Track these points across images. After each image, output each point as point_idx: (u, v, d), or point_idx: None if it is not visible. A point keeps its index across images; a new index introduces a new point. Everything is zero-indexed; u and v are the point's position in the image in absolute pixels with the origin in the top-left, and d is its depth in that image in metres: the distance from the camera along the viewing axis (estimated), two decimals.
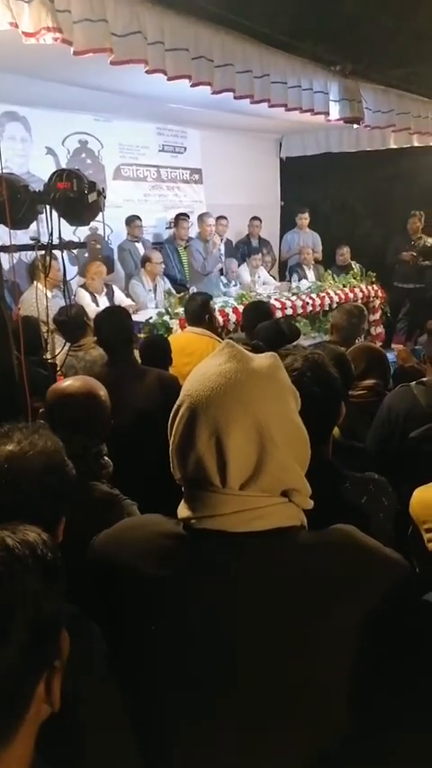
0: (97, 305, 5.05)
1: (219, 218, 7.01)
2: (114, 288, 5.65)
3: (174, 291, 5.64)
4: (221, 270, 6.72)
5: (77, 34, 3.23)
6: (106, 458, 1.65)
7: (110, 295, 5.46)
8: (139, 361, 2.89)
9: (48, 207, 2.29)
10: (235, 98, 4.45)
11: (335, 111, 5.44)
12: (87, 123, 6.39)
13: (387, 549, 0.89)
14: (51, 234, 2.31)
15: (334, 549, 0.86)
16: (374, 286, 6.82)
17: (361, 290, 6.56)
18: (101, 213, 2.42)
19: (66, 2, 3.15)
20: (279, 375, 0.89)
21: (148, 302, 5.69)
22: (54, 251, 2.40)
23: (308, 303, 5.87)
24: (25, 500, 1.02)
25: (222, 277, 6.67)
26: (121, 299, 5.56)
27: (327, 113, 5.38)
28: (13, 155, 5.69)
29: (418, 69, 5.87)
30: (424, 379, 2.29)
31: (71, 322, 3.23)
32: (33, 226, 2.36)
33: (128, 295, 5.79)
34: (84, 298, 5.15)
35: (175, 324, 4.54)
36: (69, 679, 0.71)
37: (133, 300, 5.67)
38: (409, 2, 4.63)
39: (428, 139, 7.01)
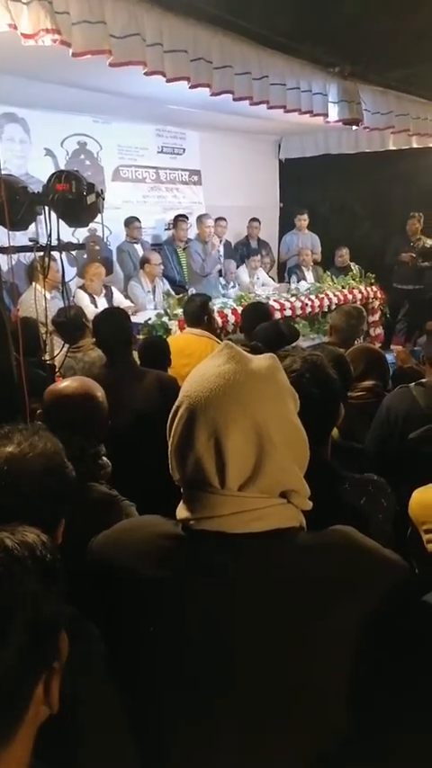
0: (96, 306, 5.04)
1: (218, 219, 7.01)
2: (113, 289, 5.65)
3: (173, 293, 5.64)
4: (220, 271, 6.73)
5: (76, 36, 3.24)
6: (105, 458, 1.65)
7: (109, 296, 5.46)
8: (138, 362, 2.89)
9: (46, 208, 2.29)
10: (234, 100, 4.46)
11: (334, 112, 5.45)
12: (86, 125, 6.39)
13: (386, 551, 0.89)
14: (50, 235, 2.31)
15: (333, 551, 0.86)
16: (373, 287, 6.82)
17: (360, 292, 6.57)
18: (100, 215, 2.42)
19: (64, 3, 3.16)
20: (278, 376, 0.89)
21: (147, 303, 5.69)
22: (53, 252, 2.40)
23: (307, 304, 5.88)
24: (25, 502, 1.02)
25: (221, 278, 6.68)
26: (119, 300, 5.56)
27: (326, 115, 5.39)
28: (11, 156, 5.70)
29: (416, 71, 5.88)
30: (423, 380, 2.29)
31: (70, 323, 3.23)
32: (32, 227, 2.36)
33: (127, 296, 5.79)
34: (83, 299, 5.15)
35: (173, 325, 4.55)
36: (68, 680, 0.71)
37: (132, 302, 5.67)
38: (408, 3, 4.64)
39: (427, 141, 7.03)
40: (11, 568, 0.65)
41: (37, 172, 5.35)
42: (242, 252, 7.57)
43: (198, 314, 3.57)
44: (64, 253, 2.45)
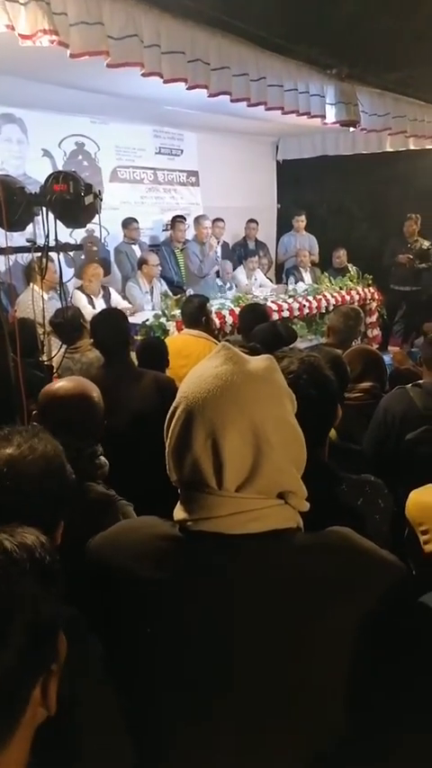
0: (94, 307, 5.05)
1: (215, 220, 7.02)
2: (111, 290, 5.65)
3: (170, 293, 5.64)
4: (218, 272, 6.73)
5: (74, 37, 3.24)
6: (102, 458, 1.65)
7: (106, 297, 5.46)
8: (136, 363, 2.88)
9: (44, 209, 2.29)
10: (231, 101, 4.46)
11: (331, 114, 5.46)
12: (84, 125, 6.39)
13: (383, 551, 0.89)
14: (48, 236, 2.31)
15: (330, 551, 0.86)
16: (371, 288, 6.83)
17: (357, 293, 6.58)
18: (97, 215, 2.42)
19: (62, 5, 3.16)
20: (275, 377, 0.89)
21: (145, 304, 5.69)
22: (50, 253, 2.40)
23: (304, 306, 5.88)
24: (24, 503, 1.01)
25: (218, 279, 6.68)
26: (117, 301, 5.56)
27: (323, 116, 5.40)
28: (9, 157, 5.70)
29: (414, 73, 5.90)
30: (420, 381, 2.30)
31: (67, 324, 3.23)
32: (30, 228, 2.36)
33: (124, 297, 5.79)
34: (80, 300, 5.15)
35: (171, 326, 4.55)
36: (66, 681, 0.70)
37: (130, 302, 5.67)
38: (406, 5, 4.65)
39: (424, 143, 7.05)
40: (9, 570, 0.65)
41: (34, 172, 5.34)
42: (240, 253, 7.58)
43: (196, 315, 3.57)
44: (62, 253, 2.45)
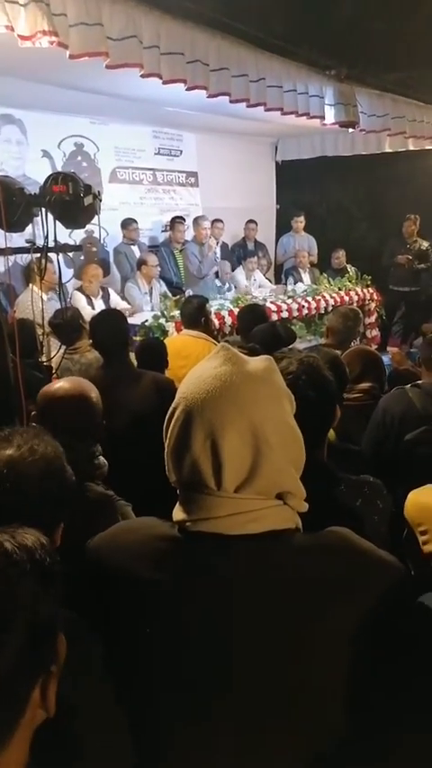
0: (93, 308, 5.05)
1: (214, 221, 7.02)
2: (110, 291, 5.65)
3: (170, 294, 5.64)
4: (217, 273, 6.73)
5: (73, 38, 3.24)
6: (101, 458, 1.65)
7: (105, 298, 5.47)
8: (135, 363, 2.88)
9: (43, 210, 2.29)
10: (231, 102, 4.47)
11: (330, 115, 5.47)
12: (83, 126, 6.39)
13: (382, 552, 0.89)
14: (47, 237, 2.31)
15: (329, 552, 0.86)
16: (370, 289, 6.84)
17: (356, 294, 6.58)
18: (96, 216, 2.42)
19: (62, 5, 3.16)
20: (274, 378, 0.89)
21: (144, 305, 5.69)
22: (50, 254, 2.40)
23: (303, 306, 5.89)
24: (24, 505, 1.01)
25: (217, 280, 6.68)
26: (116, 301, 5.56)
27: (322, 117, 5.40)
28: (8, 157, 5.70)
29: (412, 74, 5.91)
30: (419, 381, 2.30)
31: (67, 325, 3.22)
32: (29, 228, 2.36)
33: (123, 298, 5.79)
34: (79, 300, 5.15)
35: (170, 327, 4.55)
36: (65, 682, 0.70)
37: (129, 303, 5.67)
38: (404, 7, 4.66)
39: (423, 143, 7.06)
40: (9, 572, 0.65)
41: (34, 173, 5.34)
42: (239, 253, 7.58)
43: (195, 315, 3.57)
44: (61, 254, 2.45)
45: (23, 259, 4.73)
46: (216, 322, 4.67)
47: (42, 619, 0.66)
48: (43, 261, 2.42)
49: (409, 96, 6.43)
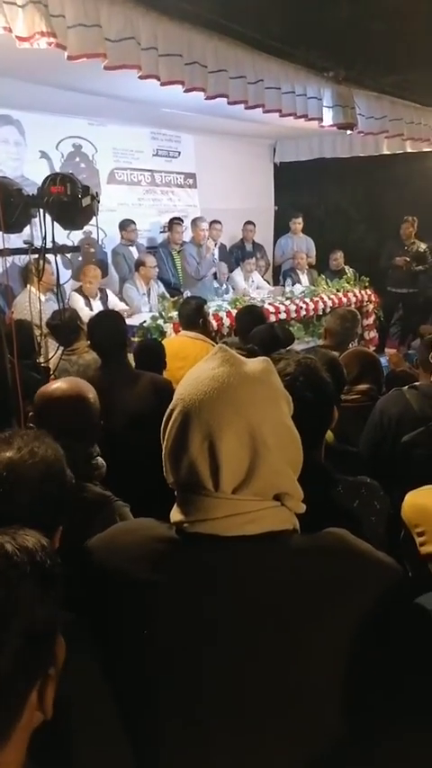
0: (91, 309, 5.05)
1: (212, 222, 7.02)
2: (108, 292, 5.65)
3: (168, 295, 5.64)
4: (215, 274, 6.73)
5: (71, 39, 3.24)
6: (99, 459, 1.65)
7: (103, 299, 5.47)
8: (133, 364, 2.89)
9: (41, 211, 2.29)
10: (229, 103, 4.47)
11: (328, 116, 5.48)
12: (81, 127, 6.39)
13: (379, 553, 0.89)
14: (45, 238, 2.31)
15: (326, 553, 0.86)
16: (368, 291, 6.85)
17: (354, 295, 6.59)
18: (95, 217, 2.42)
19: (60, 7, 3.16)
20: (272, 379, 0.90)
21: (142, 306, 5.69)
22: (48, 255, 2.40)
23: (301, 308, 5.89)
24: (24, 508, 1.01)
25: (215, 281, 6.69)
26: (114, 302, 5.56)
27: (320, 119, 5.41)
28: (6, 158, 5.70)
29: (410, 76, 5.94)
30: (416, 383, 2.30)
31: (64, 326, 3.22)
32: (27, 229, 2.36)
33: (122, 299, 5.79)
34: (77, 302, 5.15)
35: (168, 328, 4.55)
36: (63, 684, 0.70)
37: (127, 304, 5.67)
38: (402, 9, 4.68)
39: (421, 145, 7.07)
40: (9, 573, 0.65)
41: (32, 174, 5.34)
42: (237, 255, 7.59)
43: (193, 317, 3.58)
44: (59, 255, 2.45)
45: (21, 260, 4.72)
46: (214, 323, 4.68)
47: (42, 621, 0.66)
48: (41, 262, 2.42)
49: (407, 98, 6.45)
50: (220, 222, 7.19)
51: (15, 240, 2.41)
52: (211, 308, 4.56)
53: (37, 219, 2.31)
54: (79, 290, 5.37)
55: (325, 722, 0.82)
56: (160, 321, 4.67)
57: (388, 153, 7.14)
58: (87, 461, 1.59)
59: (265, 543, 0.84)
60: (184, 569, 0.85)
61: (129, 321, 4.02)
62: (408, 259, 7.32)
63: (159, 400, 2.29)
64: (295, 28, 4.58)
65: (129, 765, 0.83)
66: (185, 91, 4.07)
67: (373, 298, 6.89)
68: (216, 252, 6.98)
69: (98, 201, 2.42)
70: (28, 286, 4.34)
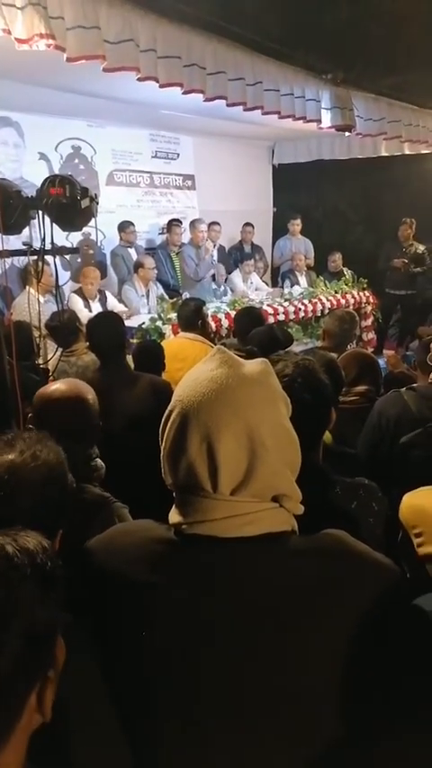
0: (90, 310, 5.05)
1: (211, 224, 7.02)
2: (107, 293, 5.66)
3: (166, 297, 5.65)
4: (214, 276, 6.74)
5: (70, 41, 3.24)
6: (98, 460, 1.65)
7: (102, 300, 5.47)
8: (132, 366, 2.89)
9: (40, 212, 2.29)
10: (227, 105, 4.48)
11: (327, 118, 5.49)
12: (80, 129, 6.39)
13: (377, 554, 0.90)
14: (44, 239, 2.31)
15: (324, 554, 0.87)
16: (366, 292, 6.86)
17: (353, 297, 6.60)
18: (93, 219, 2.43)
19: (59, 9, 3.17)
20: (270, 381, 0.90)
21: (141, 307, 5.70)
22: (47, 256, 2.40)
23: (300, 309, 5.90)
24: (25, 511, 1.01)
25: (213, 283, 6.69)
26: (113, 304, 5.57)
27: (319, 121, 5.42)
28: (5, 160, 5.70)
29: (408, 78, 5.94)
30: (414, 384, 2.31)
31: (63, 327, 3.22)
32: (26, 231, 2.36)
33: (120, 300, 5.79)
34: (76, 303, 5.15)
35: (167, 329, 4.55)
36: (61, 684, 0.70)
37: (126, 306, 5.67)
38: (400, 11, 4.69)
39: (419, 147, 7.08)
40: (9, 575, 0.65)
41: (31, 176, 5.34)
42: (236, 256, 7.59)
43: (192, 318, 3.58)
44: (58, 257, 2.45)
45: (20, 261, 4.72)
46: (213, 325, 4.68)
47: (42, 623, 0.66)
48: (40, 263, 2.42)
49: (405, 100, 6.46)
50: (218, 224, 7.19)
51: (14, 242, 2.41)
52: (209, 309, 4.57)
53: (36, 221, 2.31)
54: (78, 292, 5.37)
55: (323, 722, 0.82)
56: (159, 322, 4.67)
57: (386, 155, 7.15)
58: (86, 463, 1.59)
59: (264, 544, 0.84)
60: (183, 570, 0.85)
61: (127, 322, 4.02)
62: (406, 261, 7.33)
63: (158, 402, 2.29)
64: (294, 30, 4.59)
65: (127, 766, 0.83)
66: (184, 93, 4.07)
67: (371, 299, 6.90)
68: (215, 253, 6.98)
69: (97, 203, 2.42)
70: (27, 287, 4.33)
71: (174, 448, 0.86)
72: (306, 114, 5.24)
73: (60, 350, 2.79)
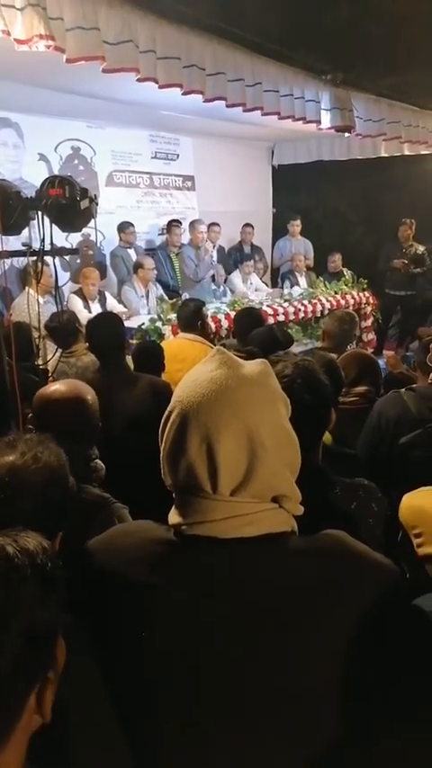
0: (89, 311, 5.05)
1: (211, 224, 7.03)
2: (106, 294, 5.66)
3: (166, 297, 5.65)
4: (213, 276, 6.74)
5: (70, 42, 3.25)
6: (98, 461, 1.65)
7: (102, 301, 5.47)
8: (132, 367, 2.89)
9: (40, 213, 2.29)
10: (227, 106, 4.48)
11: (326, 119, 5.49)
12: (80, 130, 6.40)
13: (377, 554, 0.90)
14: (43, 240, 2.31)
15: (324, 555, 0.87)
16: (366, 293, 6.86)
17: (352, 297, 6.61)
18: (93, 219, 2.43)
19: (58, 9, 3.17)
20: (269, 381, 0.90)
21: (141, 308, 5.70)
22: (46, 257, 2.40)
23: (300, 310, 5.90)
24: (26, 513, 1.01)
25: (213, 283, 6.69)
26: (113, 305, 5.57)
27: (318, 122, 5.43)
28: (5, 161, 5.71)
29: (408, 79, 5.95)
30: (414, 385, 2.31)
31: (63, 328, 3.23)
32: (25, 232, 2.37)
33: (120, 301, 5.80)
34: (76, 304, 5.15)
35: (167, 330, 4.55)
36: (61, 685, 0.70)
37: (125, 306, 5.67)
38: (400, 11, 4.70)
39: (419, 148, 7.09)
40: (10, 576, 0.65)
41: (31, 177, 5.34)
42: (235, 257, 7.60)
43: (191, 319, 3.58)
44: (57, 258, 2.46)
45: (20, 262, 4.72)
46: (212, 325, 4.69)
47: (42, 624, 0.66)
48: (40, 264, 2.42)
49: (405, 101, 6.47)
50: (218, 224, 7.19)
51: (14, 242, 2.42)
52: (209, 310, 4.57)
53: (35, 222, 2.32)
54: (78, 293, 5.37)
55: (323, 722, 0.82)
56: (159, 323, 4.67)
57: (386, 155, 7.16)
58: (86, 463, 1.59)
59: (263, 545, 0.84)
60: (183, 571, 0.85)
61: (127, 323, 4.02)
62: (406, 261, 7.33)
63: (158, 402, 2.28)
64: (293, 31, 4.60)
65: (127, 766, 0.83)
66: (184, 94, 4.08)
67: (371, 300, 6.90)
68: (214, 254, 6.99)
69: (96, 204, 2.43)
70: (26, 288, 4.33)
71: (173, 449, 0.86)
72: (306, 115, 5.24)
73: (60, 351, 2.79)
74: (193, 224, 6.72)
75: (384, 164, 7.50)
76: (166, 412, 0.89)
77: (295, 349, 3.74)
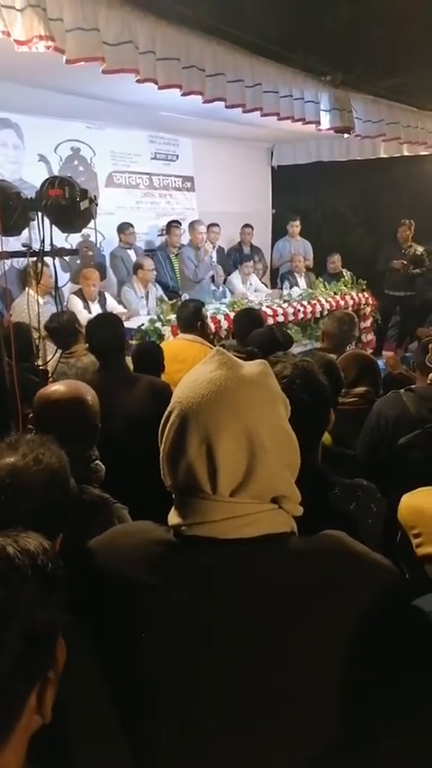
0: (89, 312, 5.05)
1: (210, 225, 7.03)
2: (106, 295, 5.66)
3: (166, 298, 5.65)
4: (213, 277, 6.74)
5: (70, 43, 3.25)
6: (98, 462, 1.65)
7: (102, 302, 5.47)
8: (132, 367, 2.89)
9: (39, 214, 2.29)
10: (226, 107, 4.48)
11: (326, 120, 5.50)
12: (80, 131, 6.40)
13: (376, 555, 0.90)
14: (43, 241, 2.31)
15: (324, 555, 0.87)
16: (365, 293, 6.86)
17: (352, 298, 6.61)
18: (93, 220, 2.43)
19: (58, 10, 3.17)
20: (269, 382, 0.90)
21: (140, 309, 5.70)
22: (46, 258, 2.40)
23: (299, 310, 5.91)
24: (27, 515, 1.01)
25: (212, 284, 6.69)
26: (112, 305, 5.57)
27: (318, 123, 5.43)
28: (5, 161, 5.71)
29: (407, 80, 5.96)
30: (413, 386, 2.31)
31: (63, 329, 3.23)
32: (25, 232, 2.37)
33: (120, 302, 5.80)
34: (76, 305, 5.15)
35: (167, 331, 4.56)
36: (61, 685, 0.71)
37: (125, 307, 5.68)
38: (399, 13, 4.70)
39: (418, 149, 7.10)
40: (10, 576, 0.65)
41: (30, 177, 5.35)
42: (235, 258, 7.60)
43: (191, 320, 3.58)
44: (57, 258, 2.46)
45: (20, 263, 4.72)
46: (212, 326, 4.69)
47: (42, 624, 0.66)
48: (39, 265, 2.43)
49: (404, 102, 6.48)
50: (218, 225, 7.20)
51: (14, 243, 2.42)
52: (209, 310, 4.57)
53: (35, 222, 2.32)
54: (78, 293, 5.37)
55: (323, 723, 0.82)
56: (158, 324, 4.67)
57: (385, 156, 7.17)
58: (86, 464, 1.59)
59: (263, 546, 0.84)
60: (182, 572, 0.85)
61: (127, 324, 4.02)
62: (405, 262, 7.34)
63: (157, 403, 2.28)
64: (293, 32, 4.61)
65: (127, 767, 0.83)
66: (183, 94, 4.08)
67: (370, 301, 6.91)
68: (214, 255, 6.99)
69: (96, 205, 2.43)
70: (26, 289, 4.33)
71: (173, 449, 0.86)
72: (305, 116, 5.25)
73: (60, 351, 2.79)
74: (192, 225, 6.72)
75: (383, 164, 7.51)
76: (166, 413, 0.89)
77: (295, 350, 3.74)
